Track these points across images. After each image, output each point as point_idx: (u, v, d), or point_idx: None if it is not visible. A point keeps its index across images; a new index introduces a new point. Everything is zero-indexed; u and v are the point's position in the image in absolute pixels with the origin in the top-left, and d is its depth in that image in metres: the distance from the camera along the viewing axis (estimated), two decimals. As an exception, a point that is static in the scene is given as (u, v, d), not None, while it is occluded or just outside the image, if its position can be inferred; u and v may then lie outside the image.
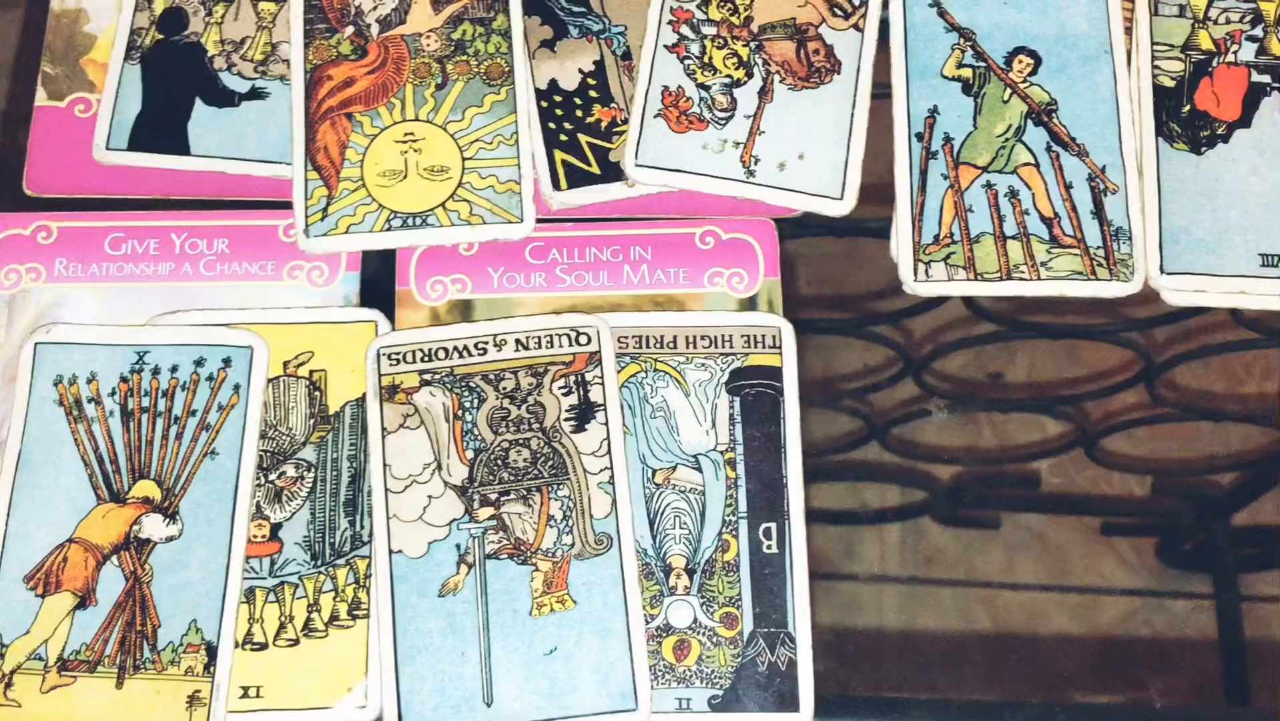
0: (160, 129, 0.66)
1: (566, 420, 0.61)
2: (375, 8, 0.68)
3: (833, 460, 0.75)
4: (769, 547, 0.60)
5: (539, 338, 0.62)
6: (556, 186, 0.65)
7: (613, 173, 0.65)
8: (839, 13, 0.68)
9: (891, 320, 0.75)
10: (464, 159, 0.65)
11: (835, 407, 0.77)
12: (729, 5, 0.68)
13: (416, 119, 0.66)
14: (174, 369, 0.62)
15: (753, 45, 0.67)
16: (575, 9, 0.68)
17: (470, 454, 0.61)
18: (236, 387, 0.62)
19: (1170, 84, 0.66)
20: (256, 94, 0.67)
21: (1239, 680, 0.70)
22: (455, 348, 0.62)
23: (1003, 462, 0.78)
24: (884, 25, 0.68)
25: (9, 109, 0.70)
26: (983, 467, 0.78)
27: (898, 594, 0.72)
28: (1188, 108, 0.66)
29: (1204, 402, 0.73)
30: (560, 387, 0.62)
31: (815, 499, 0.72)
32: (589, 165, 0.65)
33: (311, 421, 0.62)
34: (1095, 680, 0.70)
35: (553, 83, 0.67)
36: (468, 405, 0.61)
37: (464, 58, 0.67)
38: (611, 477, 0.60)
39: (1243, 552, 0.74)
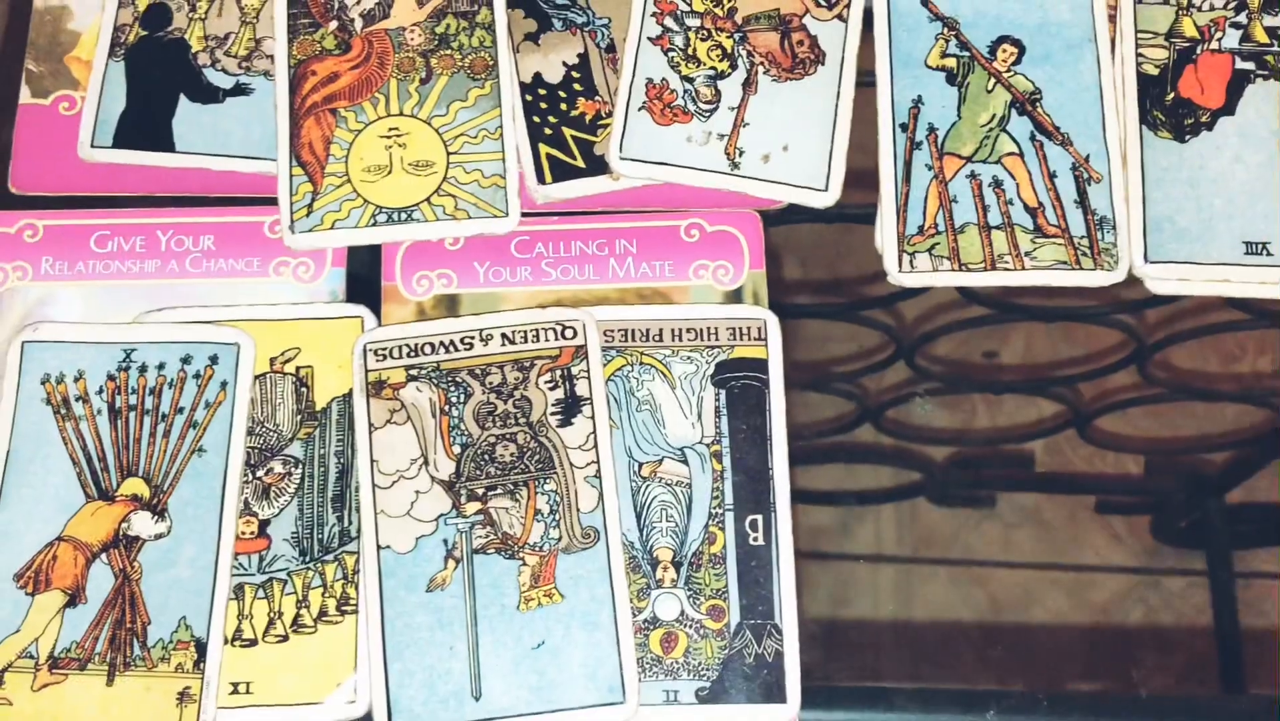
0: (145, 126, 0.66)
1: (553, 414, 0.61)
2: (359, 2, 0.68)
3: (827, 442, 0.75)
4: (755, 539, 0.60)
5: (525, 332, 0.63)
6: (541, 180, 0.65)
7: (597, 166, 0.65)
8: (823, 3, 0.68)
9: (883, 304, 0.75)
10: (449, 153, 0.65)
11: (829, 391, 0.77)
12: (713, -4, 0.68)
13: (401, 114, 0.66)
14: (161, 366, 0.62)
15: (736, 37, 0.67)
16: (559, 2, 0.68)
17: (457, 449, 0.61)
18: (223, 384, 0.62)
19: (1154, 72, 0.66)
20: (240, 90, 0.67)
21: (1233, 657, 0.70)
22: (441, 343, 0.62)
23: (997, 443, 0.79)
24: (868, 15, 0.68)
25: (-7, 107, 0.70)
26: (977, 448, 0.78)
27: (893, 574, 0.73)
28: (1172, 95, 0.66)
29: (1199, 382, 0.73)
30: (546, 382, 0.62)
31: (811, 481, 0.72)
32: (574, 159, 0.66)
33: (298, 417, 0.62)
34: (1089, 658, 0.70)
35: (537, 76, 0.67)
36: (454, 400, 0.62)
37: (448, 52, 0.67)
38: (598, 471, 0.60)
39: (1236, 529, 0.74)
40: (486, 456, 0.61)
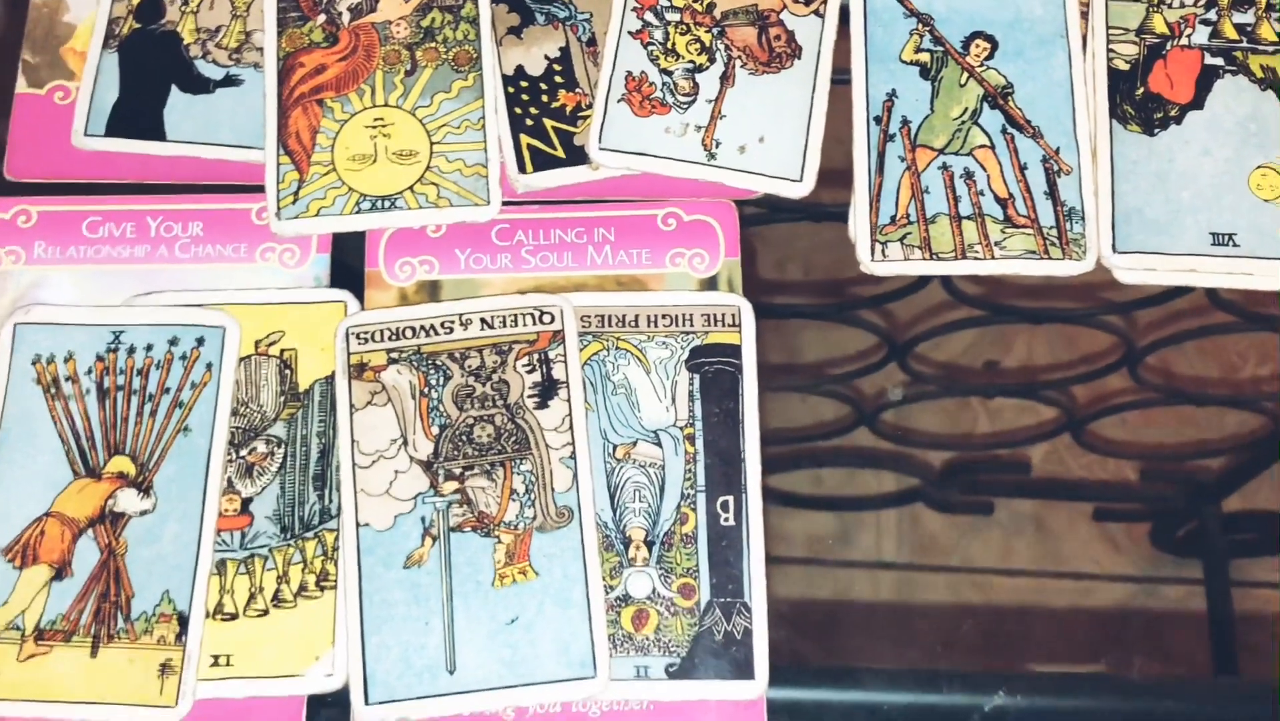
0: (137, 115, 0.68)
1: (530, 397, 0.63)
2: (346, -4, 0.70)
3: (824, 446, 0.76)
4: (726, 520, 0.61)
5: (504, 317, 0.64)
6: (522, 170, 0.67)
7: (577, 156, 0.67)
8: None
9: (875, 304, 0.76)
10: (432, 143, 0.67)
11: (825, 394, 0.78)
12: (692, -8, 0.69)
13: (386, 104, 0.67)
14: (149, 348, 0.64)
15: (715, 31, 0.69)
16: (541, -4, 0.70)
17: (436, 430, 0.62)
18: (209, 366, 0.64)
19: (1125, 67, 0.68)
20: (231, 81, 0.68)
21: (1229, 666, 0.71)
22: (422, 327, 0.64)
23: (994, 448, 0.79)
24: (844, 11, 0.69)
25: (-10, 96, 0.71)
26: (974, 453, 0.79)
27: (893, 580, 0.73)
28: (1141, 90, 0.67)
29: (1198, 389, 0.74)
30: (524, 365, 0.63)
31: (812, 487, 0.73)
32: (554, 149, 0.67)
33: (282, 399, 0.63)
34: (1087, 663, 0.71)
35: (519, 69, 0.68)
36: (434, 382, 0.63)
37: (433, 44, 0.68)
38: (573, 453, 0.62)
39: (1234, 538, 0.75)
40: (464, 437, 0.62)
